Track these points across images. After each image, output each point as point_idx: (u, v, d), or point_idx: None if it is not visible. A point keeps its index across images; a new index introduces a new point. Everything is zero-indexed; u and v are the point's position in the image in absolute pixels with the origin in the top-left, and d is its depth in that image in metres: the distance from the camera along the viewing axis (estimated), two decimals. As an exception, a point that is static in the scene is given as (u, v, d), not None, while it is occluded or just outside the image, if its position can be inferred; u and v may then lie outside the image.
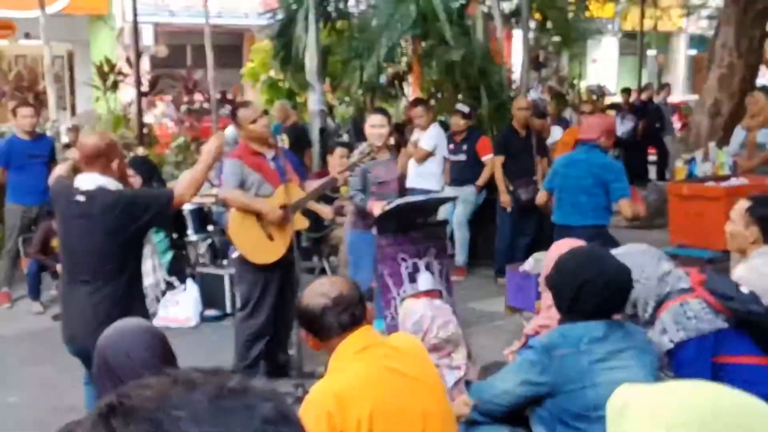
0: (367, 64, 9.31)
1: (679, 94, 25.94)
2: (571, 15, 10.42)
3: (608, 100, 16.70)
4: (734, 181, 8.55)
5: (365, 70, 9.31)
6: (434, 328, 4.40)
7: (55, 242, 7.72)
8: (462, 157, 8.82)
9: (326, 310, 2.71)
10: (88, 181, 4.07)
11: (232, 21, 20.68)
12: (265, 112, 11.59)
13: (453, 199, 8.01)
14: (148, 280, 4.34)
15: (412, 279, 6.00)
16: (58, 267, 7.29)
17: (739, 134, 9.41)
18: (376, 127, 6.09)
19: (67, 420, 2.32)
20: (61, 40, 17.75)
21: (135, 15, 10.58)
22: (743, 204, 4.08)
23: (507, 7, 10.61)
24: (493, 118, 9.42)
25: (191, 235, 7.81)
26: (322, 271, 8.36)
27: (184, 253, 8.34)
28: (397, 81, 11.02)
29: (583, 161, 5.92)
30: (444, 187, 8.97)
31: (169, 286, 7.67)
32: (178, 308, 7.34)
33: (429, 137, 8.85)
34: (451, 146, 8.92)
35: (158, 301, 7.48)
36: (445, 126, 9.58)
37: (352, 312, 2.72)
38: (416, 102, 9.66)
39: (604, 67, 26.00)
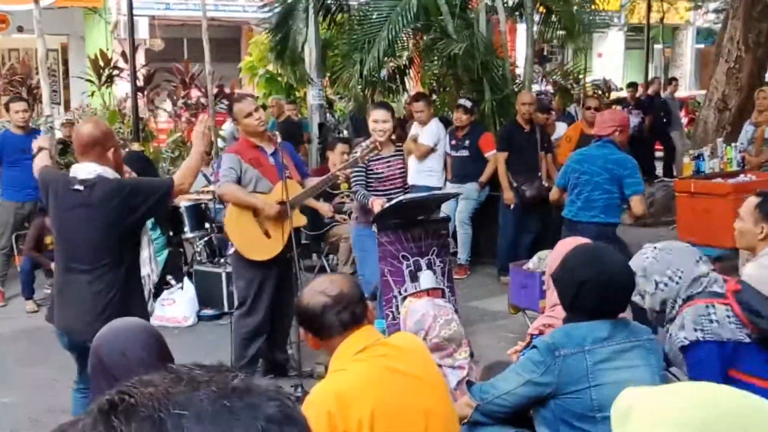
0: (367, 57, 9.20)
1: (686, 89, 25.93)
2: (576, 8, 10.29)
3: (614, 95, 16.64)
4: (742, 178, 8.46)
5: (365, 64, 9.21)
6: (436, 326, 4.32)
7: (48, 239, 7.62)
8: (464, 152, 8.74)
9: (326, 308, 2.68)
10: (85, 170, 4.06)
11: (230, 14, 20.64)
12: (263, 107, 11.52)
13: (455, 195, 7.92)
14: (145, 270, 4.36)
15: (414, 277, 5.96)
16: (53, 264, 7.20)
17: (747, 130, 9.33)
18: (379, 122, 5.99)
19: (62, 420, 2.21)
20: (55, 33, 17.68)
21: (130, 7, 10.47)
22: (753, 200, 4.13)
23: (510, -1, 10.51)
24: (496, 113, 9.31)
25: (188, 233, 7.73)
26: (322, 269, 8.27)
27: (181, 251, 8.27)
28: (398, 75, 10.92)
29: (597, 157, 5.87)
30: (446, 184, 8.90)
31: (166, 284, 7.58)
32: (174, 307, 7.30)
33: (430, 133, 8.78)
34: (453, 142, 8.84)
35: (151, 294, 7.39)
36: (447, 121, 9.47)
37: (353, 310, 2.70)
38: (417, 96, 9.55)
39: (609, 62, 25.94)
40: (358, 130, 11.10)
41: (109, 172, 4.09)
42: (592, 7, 11.05)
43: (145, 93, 12.91)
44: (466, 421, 3.09)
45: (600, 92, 14.50)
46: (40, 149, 4.64)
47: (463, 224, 8.72)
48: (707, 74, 15.09)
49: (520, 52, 11.90)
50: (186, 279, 7.53)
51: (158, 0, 19.89)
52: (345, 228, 7.85)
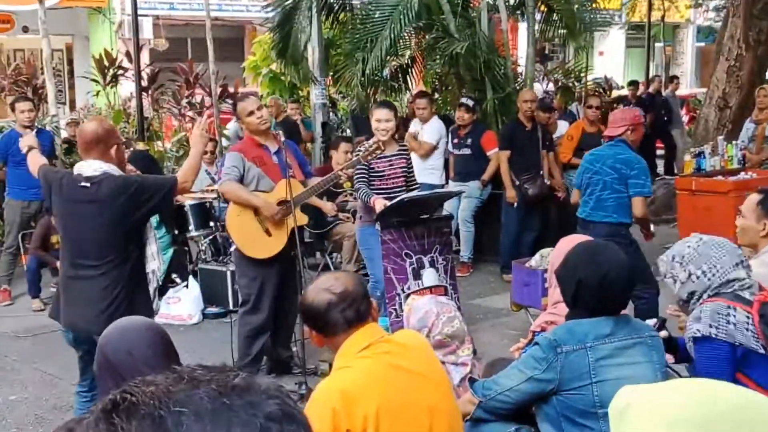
0: (370, 56, 9.22)
1: (686, 87, 25.88)
2: (577, 6, 10.30)
3: (615, 93, 16.63)
4: (743, 175, 8.49)
5: (368, 63, 9.22)
6: (439, 324, 4.34)
7: (54, 238, 7.66)
8: (466, 151, 8.76)
9: (331, 305, 2.68)
10: (91, 167, 4.11)
11: (233, 13, 20.63)
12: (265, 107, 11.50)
13: (457, 194, 7.94)
14: (152, 265, 4.41)
15: (417, 275, 5.97)
16: (59, 263, 7.25)
17: (747, 128, 9.35)
18: (382, 121, 6.01)
19: (67, 418, 2.26)
20: (59, 33, 17.69)
21: (135, 7, 10.47)
22: (754, 198, 4.12)
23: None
24: (498, 112, 9.33)
25: (193, 231, 7.75)
26: (325, 267, 8.30)
27: (186, 249, 8.29)
28: (401, 74, 10.93)
29: (607, 156, 5.87)
30: (449, 182, 8.92)
31: (171, 282, 7.62)
32: (180, 305, 7.31)
33: (432, 131, 8.80)
34: (456, 140, 8.86)
35: (158, 287, 7.42)
36: (449, 120, 9.49)
37: (357, 308, 2.69)
38: (420, 93, 9.58)
39: (610, 60, 25.89)
40: (359, 129, 11.11)
41: (114, 169, 4.15)
42: (593, 5, 11.05)
43: (150, 92, 12.93)
44: (468, 417, 3.10)
45: (601, 90, 14.49)
46: (30, 148, 4.70)
47: (465, 222, 8.74)
48: (708, 72, 15.09)
49: (522, 50, 11.92)
50: (191, 277, 7.55)
51: (162, 0, 19.90)
52: (348, 226, 7.88)
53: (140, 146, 9.01)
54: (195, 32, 19.10)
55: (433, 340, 4.15)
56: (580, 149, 8.78)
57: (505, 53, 9.94)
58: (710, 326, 3.16)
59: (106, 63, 13.29)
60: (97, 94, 13.77)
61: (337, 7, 10.86)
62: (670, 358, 3.55)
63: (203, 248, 7.91)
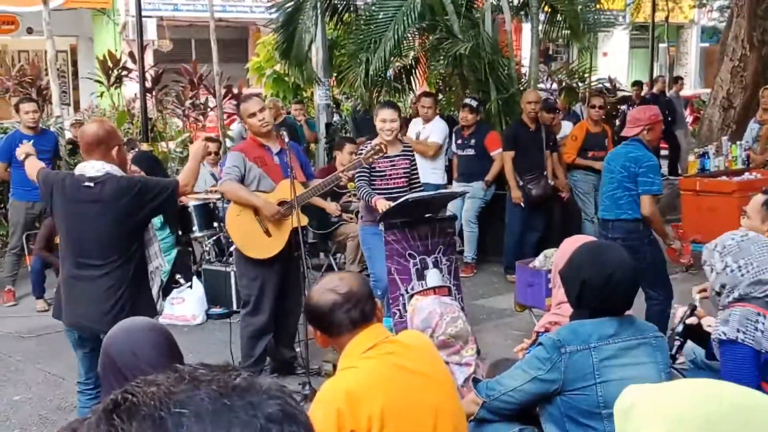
0: (374, 57, 9.22)
1: (690, 87, 25.83)
2: (580, 7, 10.28)
3: (618, 94, 16.59)
4: (747, 176, 8.48)
5: (371, 63, 9.23)
6: (443, 324, 4.34)
7: (58, 239, 7.66)
8: (470, 151, 8.76)
9: (336, 306, 2.68)
10: (93, 167, 4.15)
11: (237, 14, 20.66)
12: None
13: (461, 194, 7.94)
14: (155, 263, 4.47)
15: (420, 276, 5.97)
16: (60, 263, 7.25)
17: (752, 128, 9.34)
18: (387, 121, 6.00)
19: (71, 418, 2.27)
20: (64, 34, 17.74)
21: (139, 8, 10.49)
22: (759, 198, 4.11)
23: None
24: (502, 112, 9.33)
25: (196, 232, 7.75)
26: (329, 268, 8.30)
27: (190, 250, 8.29)
28: (404, 75, 10.94)
29: (620, 155, 5.85)
30: (453, 183, 8.93)
31: (175, 283, 7.62)
32: (183, 306, 7.32)
33: (439, 130, 8.80)
34: (459, 141, 8.87)
35: (162, 285, 7.45)
36: (453, 121, 9.50)
37: (362, 308, 2.69)
38: (425, 93, 9.58)
39: (614, 61, 25.87)
40: (360, 130, 11.11)
41: (116, 170, 4.19)
42: (597, 6, 11.04)
43: (154, 93, 12.94)
44: (472, 418, 3.11)
45: (607, 91, 14.48)
46: (27, 156, 4.72)
47: (469, 223, 8.74)
48: (712, 73, 15.08)
49: (526, 51, 11.91)
50: (195, 278, 7.54)
51: (166, 1, 19.92)
52: (352, 227, 7.87)
53: (144, 147, 9.02)
54: (199, 33, 19.16)
55: (436, 340, 4.15)
56: (584, 149, 8.79)
57: (509, 54, 9.93)
58: (738, 330, 3.19)
59: (110, 64, 13.31)
60: (101, 95, 13.78)
61: (341, 8, 10.85)
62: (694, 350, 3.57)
63: (207, 249, 7.90)
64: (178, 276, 7.74)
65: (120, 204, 4.10)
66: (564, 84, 12.20)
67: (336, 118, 12.18)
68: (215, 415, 0.90)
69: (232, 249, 5.91)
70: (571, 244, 3.54)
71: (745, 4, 11.52)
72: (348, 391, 2.55)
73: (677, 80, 16.81)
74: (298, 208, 5.44)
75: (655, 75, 17.98)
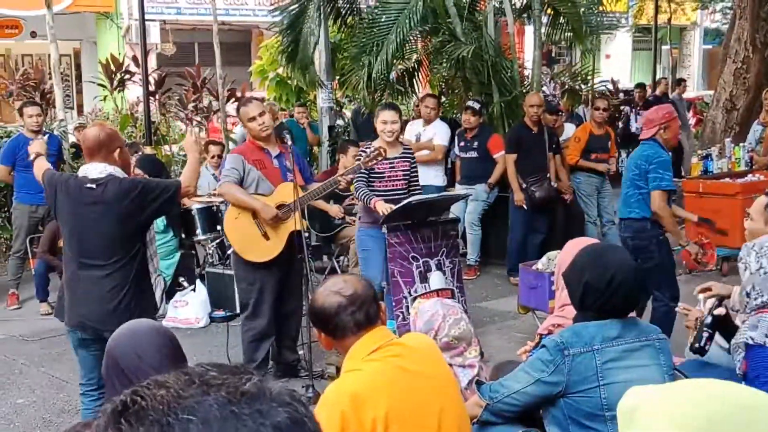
0: (376, 60, 9.23)
1: (693, 89, 25.82)
2: (583, 10, 10.29)
3: (621, 96, 16.59)
4: (751, 178, 8.47)
5: (374, 66, 9.24)
6: (445, 326, 4.35)
7: (62, 242, 7.67)
8: (473, 154, 8.77)
9: (341, 308, 2.68)
10: (96, 169, 4.20)
11: (240, 18, 20.67)
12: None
13: (464, 197, 7.94)
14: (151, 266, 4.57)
15: (423, 278, 5.97)
16: (63, 264, 7.26)
17: (755, 130, 9.33)
18: (388, 123, 6.00)
19: (75, 421, 2.27)
20: (67, 38, 17.76)
21: (142, 12, 10.50)
22: (762, 200, 4.11)
23: (518, 1, 10.50)
24: (504, 115, 9.34)
25: (200, 235, 7.76)
26: (332, 271, 8.30)
27: (193, 253, 8.30)
28: (407, 77, 10.95)
29: (636, 155, 5.86)
30: (456, 185, 8.93)
31: (179, 286, 7.63)
32: (187, 308, 7.33)
33: (442, 132, 8.80)
34: (462, 143, 8.88)
35: (163, 292, 7.45)
36: (456, 123, 9.50)
37: (367, 311, 2.69)
38: (429, 95, 9.58)
39: (617, 63, 25.85)
40: (360, 132, 11.12)
41: (119, 171, 4.24)
42: (600, 8, 11.04)
43: (157, 97, 12.95)
44: (476, 420, 3.10)
45: (609, 92, 14.49)
46: (38, 155, 4.75)
47: (472, 225, 8.74)
48: (715, 75, 15.08)
49: (528, 53, 11.92)
50: (198, 281, 7.56)
51: (169, 5, 19.94)
52: (355, 229, 7.88)
53: (148, 150, 9.03)
54: (202, 37, 19.16)
55: (439, 342, 4.15)
56: (588, 152, 8.78)
57: (512, 56, 9.94)
58: (766, 336, 3.20)
59: (113, 68, 13.32)
60: (105, 99, 13.80)
61: (344, 11, 10.86)
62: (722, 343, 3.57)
63: (210, 252, 7.91)
64: (181, 279, 7.75)
65: (122, 205, 4.15)
66: (567, 86, 12.20)
67: (338, 121, 12.18)
68: (223, 423, 0.90)
69: (229, 252, 5.89)
70: (574, 246, 3.52)
71: (747, 6, 11.52)
72: (352, 394, 2.55)
73: (680, 82, 16.80)
74: (298, 212, 5.43)
75: (657, 77, 17.97)
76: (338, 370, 3.75)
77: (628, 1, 21.82)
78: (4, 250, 9.23)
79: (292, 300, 5.79)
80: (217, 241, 7.85)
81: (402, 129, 7.36)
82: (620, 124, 14.85)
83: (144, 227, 4.34)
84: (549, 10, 10.39)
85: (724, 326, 3.67)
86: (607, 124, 9.33)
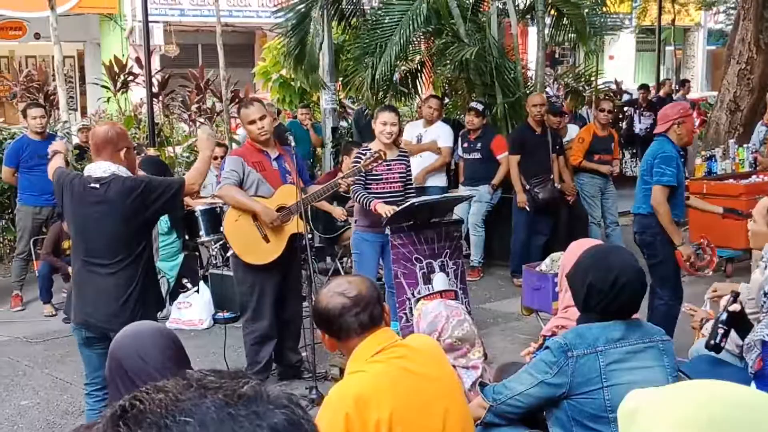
0: (380, 61, 9.23)
1: (697, 90, 25.79)
2: (586, 11, 10.28)
3: (625, 97, 16.58)
4: (754, 179, 8.46)
5: (377, 67, 9.24)
6: (449, 327, 4.34)
7: (66, 244, 7.69)
8: (476, 155, 8.76)
9: (345, 309, 2.67)
10: (100, 168, 4.23)
11: (244, 19, 20.69)
12: (279, 112, 11.43)
13: (468, 198, 7.94)
14: None
15: (427, 280, 5.97)
16: (70, 269, 7.28)
17: (759, 131, 9.32)
18: (387, 124, 5.98)
19: (78, 423, 2.28)
20: (71, 40, 17.80)
21: (146, 14, 10.51)
22: (765, 202, 4.12)
23: (522, 2, 10.49)
24: (508, 116, 9.33)
25: (203, 237, 7.76)
26: (336, 272, 8.30)
27: (197, 254, 8.30)
28: (410, 79, 10.94)
29: (648, 152, 5.85)
30: (459, 186, 8.92)
31: (182, 287, 7.64)
32: (191, 310, 7.33)
33: (446, 134, 8.78)
34: (466, 144, 8.87)
35: (167, 293, 7.46)
36: (459, 125, 9.49)
37: (371, 312, 2.68)
38: (433, 95, 9.57)
39: (621, 64, 25.83)
40: (362, 133, 11.11)
41: (123, 171, 4.25)
42: (603, 9, 11.03)
43: (160, 98, 12.97)
44: (479, 422, 3.10)
45: (612, 94, 14.48)
46: (56, 152, 4.77)
47: (475, 227, 8.73)
48: (719, 76, 15.05)
49: (532, 54, 11.91)
50: (202, 282, 7.55)
51: (173, 6, 19.97)
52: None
53: (151, 152, 9.04)
54: (205, 38, 19.19)
55: (443, 343, 4.15)
56: (591, 153, 8.77)
57: (515, 57, 9.94)
58: None
59: (116, 69, 13.34)
60: (108, 100, 13.83)
61: (348, 13, 10.86)
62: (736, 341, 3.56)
63: (214, 253, 7.91)
64: (185, 280, 7.75)
65: (125, 204, 4.16)
66: (570, 87, 12.18)
67: (341, 123, 12.17)
68: (220, 424, 0.90)
69: (229, 254, 5.88)
70: (578, 247, 3.52)
71: (751, 7, 11.50)
72: (356, 396, 2.55)
73: (684, 83, 16.79)
74: (298, 215, 5.42)
75: (661, 78, 17.96)
76: (342, 371, 3.75)
77: (631, 2, 21.78)
78: (8, 251, 9.24)
79: (292, 302, 5.78)
80: (221, 242, 7.84)
81: (400, 130, 7.36)
82: (624, 126, 14.84)
83: (148, 226, 4.37)
84: (552, 11, 10.39)
85: (741, 323, 3.66)
86: (611, 125, 9.32)
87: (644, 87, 15.36)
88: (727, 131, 11.43)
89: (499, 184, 8.70)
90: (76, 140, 10.09)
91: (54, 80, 11.89)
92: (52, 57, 10.05)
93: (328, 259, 8.74)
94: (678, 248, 5.66)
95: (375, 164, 5.73)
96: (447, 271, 6.08)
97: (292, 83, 13.29)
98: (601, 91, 12.05)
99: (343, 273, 8.21)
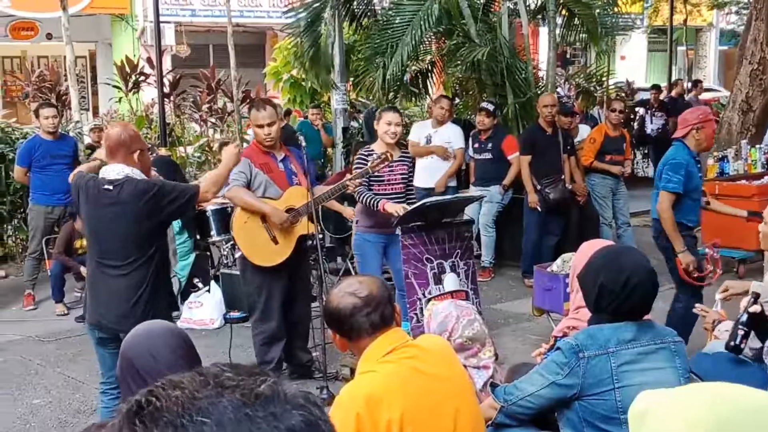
0: (390, 62, 9.23)
1: (709, 91, 25.69)
2: (598, 11, 10.26)
3: (637, 97, 16.54)
4: (767, 179, 8.41)
5: (388, 68, 9.24)
6: (459, 327, 4.34)
7: (78, 243, 7.72)
8: (487, 155, 8.75)
9: (356, 309, 2.67)
10: (114, 171, 4.26)
11: (255, 20, 20.72)
12: (287, 113, 11.44)
13: (479, 198, 7.93)
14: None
15: (438, 280, 5.96)
16: (83, 269, 7.31)
17: (771, 131, 9.27)
18: (392, 124, 5.96)
19: (90, 422, 2.28)
20: (83, 40, 17.87)
21: (157, 14, 10.53)
22: None
23: (533, 2, 10.48)
24: (519, 116, 9.31)
25: (214, 236, 7.78)
26: (346, 272, 8.30)
27: (208, 254, 8.32)
28: (421, 79, 10.94)
29: (663, 157, 5.82)
30: (470, 187, 8.91)
31: (193, 287, 7.65)
32: (202, 310, 7.34)
33: (459, 135, 8.76)
34: (476, 145, 8.86)
35: (178, 293, 7.48)
36: (470, 125, 9.48)
37: (382, 312, 2.68)
38: (444, 96, 9.56)
39: (632, 64, 25.76)
40: (373, 134, 11.10)
41: (137, 173, 4.27)
42: (615, 9, 11.00)
43: (172, 98, 13.01)
44: (490, 422, 3.09)
45: (624, 94, 14.44)
46: (96, 159, 4.82)
47: (486, 227, 8.72)
48: (731, 76, 14.99)
49: (543, 54, 11.89)
50: (213, 282, 7.57)
51: (184, 7, 20.02)
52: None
53: (162, 152, 9.07)
54: (216, 38, 19.25)
55: (454, 343, 4.15)
56: (603, 153, 8.75)
57: (526, 58, 9.92)
58: None
59: (128, 69, 13.38)
60: (120, 101, 13.87)
61: (359, 13, 10.87)
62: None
63: (225, 253, 7.93)
64: (196, 280, 7.76)
65: (137, 206, 4.19)
66: (581, 88, 12.16)
67: (352, 123, 12.18)
68: (237, 425, 0.90)
69: (238, 255, 5.88)
70: (590, 248, 3.51)
71: (763, 8, 11.43)
72: (367, 396, 2.55)
73: (696, 84, 16.72)
74: (306, 216, 5.42)
75: (673, 78, 17.90)
76: (353, 371, 3.75)
77: (643, 3, 21.72)
78: (20, 251, 9.28)
79: (300, 303, 5.79)
80: (232, 242, 7.87)
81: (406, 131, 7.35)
82: (635, 126, 14.80)
83: (160, 229, 4.39)
84: (564, 12, 10.36)
85: (762, 325, 3.65)
86: (622, 125, 9.29)
87: (656, 87, 15.31)
88: (739, 132, 11.37)
89: (510, 185, 8.69)
90: (87, 140, 10.13)
91: (66, 80, 11.94)
92: (64, 57, 10.10)
93: (339, 259, 8.75)
94: (678, 255, 5.62)
95: (384, 165, 5.73)
96: (458, 272, 6.08)
97: (303, 83, 13.31)
98: (614, 90, 12.02)
99: (353, 273, 8.20)
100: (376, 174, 5.91)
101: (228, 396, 0.93)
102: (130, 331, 2.71)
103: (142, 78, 13.42)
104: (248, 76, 15.53)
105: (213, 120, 13.21)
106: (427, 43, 10.50)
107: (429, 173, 8.54)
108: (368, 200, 5.90)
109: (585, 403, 2.89)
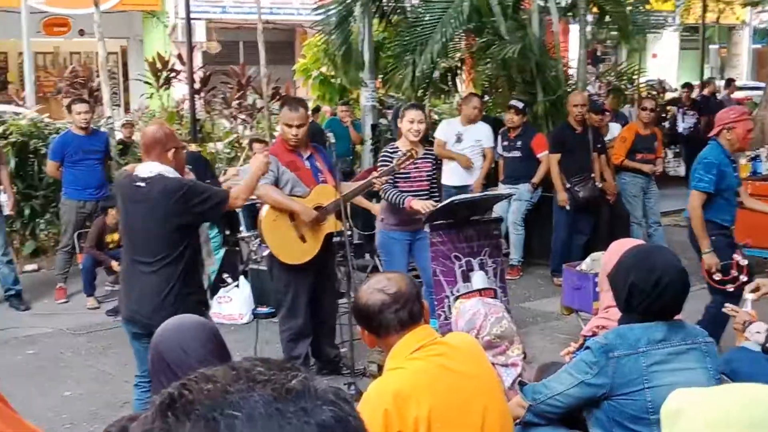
0: (420, 59, 9.22)
1: (742, 89, 25.41)
2: (629, 8, 10.17)
3: (668, 96, 16.40)
4: (801, 179, 8.29)
5: (418, 65, 9.23)
6: (487, 325, 4.34)
7: (109, 237, 7.80)
8: (516, 153, 8.71)
9: (385, 306, 2.66)
10: (147, 168, 4.33)
11: (285, 17, 20.80)
12: (316, 110, 11.47)
13: (508, 196, 7.90)
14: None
15: (466, 278, 5.96)
16: (114, 263, 7.39)
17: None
18: (415, 122, 5.95)
19: (121, 414, 2.30)
20: (114, 36, 18.04)
21: (188, 11, 10.61)
22: None
23: (564, 0, 10.42)
24: (549, 114, 9.26)
25: (244, 232, 7.82)
26: (374, 269, 8.31)
27: (237, 249, 8.37)
28: (450, 76, 10.92)
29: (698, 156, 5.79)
30: (499, 185, 8.88)
31: (223, 282, 7.70)
32: (231, 305, 7.39)
33: (489, 134, 8.69)
34: (506, 143, 8.82)
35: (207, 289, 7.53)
36: (499, 122, 9.44)
37: (411, 309, 2.68)
38: (475, 94, 9.53)
39: (664, 62, 25.53)
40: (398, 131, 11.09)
41: (170, 171, 4.32)
42: (646, 7, 10.91)
43: (202, 95, 13.09)
44: (519, 421, 3.09)
45: (655, 93, 14.32)
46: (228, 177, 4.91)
47: (515, 225, 8.68)
48: (764, 74, 14.82)
49: (573, 52, 11.83)
50: (242, 277, 7.61)
51: (215, 4, 20.14)
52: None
53: (193, 148, 9.13)
54: (246, 35, 19.34)
55: (482, 341, 4.15)
56: (634, 152, 8.67)
57: (556, 55, 9.87)
58: None
59: (159, 66, 13.49)
60: (151, 97, 13.99)
61: (389, 10, 10.87)
62: None
63: (254, 249, 7.97)
64: (225, 275, 7.81)
65: (167, 204, 4.24)
66: (612, 86, 12.08)
67: (383, 120, 12.19)
68: (267, 420, 0.90)
69: (266, 253, 5.90)
70: (620, 247, 3.48)
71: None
72: (395, 392, 2.55)
73: (730, 83, 16.54)
74: (334, 213, 5.44)
75: (705, 77, 17.71)
76: (380, 368, 3.76)
77: (675, 0, 21.50)
78: (52, 245, 9.39)
79: (327, 300, 5.81)
80: (260, 238, 7.91)
81: (428, 129, 7.32)
82: (667, 125, 14.67)
83: (191, 229, 4.44)
84: (595, 9, 10.30)
85: None
86: (654, 124, 9.21)
87: (687, 86, 15.16)
88: (772, 131, 11.24)
89: (540, 183, 8.64)
90: (119, 135, 10.22)
91: (98, 76, 12.05)
92: (96, 53, 10.19)
93: (367, 255, 8.76)
94: (703, 255, 5.59)
95: (409, 162, 5.73)
96: (486, 270, 6.06)
97: (332, 80, 13.34)
98: (645, 89, 11.91)
99: (382, 269, 8.21)
100: (402, 171, 5.91)
101: (259, 390, 0.93)
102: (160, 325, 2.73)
103: (173, 74, 13.52)
104: (278, 73, 15.59)
105: (243, 116, 13.27)
106: (456, 40, 10.47)
107: (459, 171, 8.50)
108: (394, 197, 5.91)
109: (614, 403, 2.88)
